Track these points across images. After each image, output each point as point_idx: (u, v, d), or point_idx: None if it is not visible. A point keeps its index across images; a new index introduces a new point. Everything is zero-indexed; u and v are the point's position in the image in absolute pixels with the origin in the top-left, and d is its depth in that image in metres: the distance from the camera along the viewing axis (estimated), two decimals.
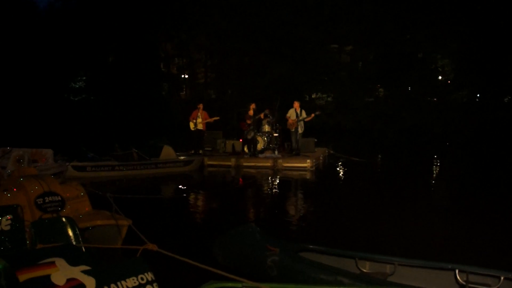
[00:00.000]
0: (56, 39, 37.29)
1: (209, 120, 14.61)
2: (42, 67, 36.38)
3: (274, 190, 10.34)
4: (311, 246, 4.34)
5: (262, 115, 14.30)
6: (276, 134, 15.26)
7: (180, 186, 11.04)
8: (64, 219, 3.77)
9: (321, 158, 15.48)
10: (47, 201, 4.67)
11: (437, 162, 15.97)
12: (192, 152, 14.78)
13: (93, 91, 39.84)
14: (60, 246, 2.96)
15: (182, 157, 13.25)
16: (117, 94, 37.56)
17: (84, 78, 40.53)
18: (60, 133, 26.48)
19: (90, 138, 23.46)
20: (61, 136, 24.57)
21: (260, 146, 14.76)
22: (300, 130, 13.90)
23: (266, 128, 15.10)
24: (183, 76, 45.56)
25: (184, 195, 9.40)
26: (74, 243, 3.59)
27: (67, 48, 37.20)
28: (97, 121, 34.46)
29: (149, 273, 2.45)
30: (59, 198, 4.78)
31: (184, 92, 46.18)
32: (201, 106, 14.54)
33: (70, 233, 3.67)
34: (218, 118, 14.90)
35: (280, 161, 13.38)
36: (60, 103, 36.97)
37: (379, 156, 17.49)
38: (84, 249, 3.27)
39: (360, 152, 17.64)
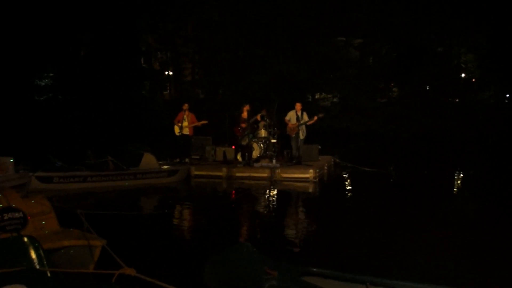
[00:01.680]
0: (18, 29, 37.19)
1: (196, 124, 14.60)
2: (0, 61, 36.24)
3: (272, 205, 10.33)
4: (314, 269, 4.33)
5: (258, 118, 14.31)
6: (274, 140, 15.26)
7: (163, 200, 11.00)
8: (26, 239, 3.73)
9: (325, 167, 15.49)
10: (6, 218, 4.63)
11: (460, 173, 16.02)
12: (177, 160, 14.75)
13: (61, 90, 39.71)
14: (22, 270, 2.94)
15: (165, 167, 13.22)
16: (90, 93, 37.46)
17: (51, 74, 40.42)
18: (22, 138, 26.36)
19: (58, 144, 23.36)
20: (24, 141, 24.46)
21: (255, 153, 14.76)
22: (301, 136, 13.92)
23: (263, 133, 15.11)
24: (167, 72, 45.64)
25: (168, 211, 9.37)
26: (37, 267, 3.56)
27: (30, 39, 37.05)
28: (66, 124, 34.32)
29: None
30: (21, 215, 4.74)
31: (168, 91, 46.24)
32: (186, 106, 14.54)
33: (33, 255, 3.63)
34: (206, 121, 14.90)
35: (278, 171, 13.39)
36: (22, 103, 36.76)
37: (393, 165, 17.48)
38: (49, 274, 3.24)
39: (371, 160, 17.65)
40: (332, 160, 17.30)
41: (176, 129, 14.55)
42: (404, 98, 38.03)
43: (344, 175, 14.97)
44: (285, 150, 15.78)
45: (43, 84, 40.62)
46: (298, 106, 14.06)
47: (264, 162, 14.32)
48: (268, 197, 11.26)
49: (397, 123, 34.58)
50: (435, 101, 36.16)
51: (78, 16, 38.53)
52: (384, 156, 22.10)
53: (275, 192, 11.90)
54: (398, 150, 25.31)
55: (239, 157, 14.80)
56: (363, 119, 35.74)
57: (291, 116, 14.08)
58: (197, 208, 9.89)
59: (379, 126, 34.71)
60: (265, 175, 13.42)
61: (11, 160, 10.62)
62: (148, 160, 12.74)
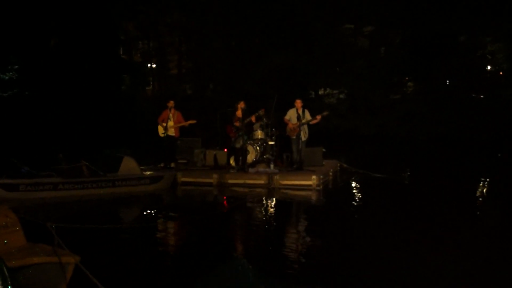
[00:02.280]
0: None
1: (183, 123, 14.63)
2: None
3: (269, 216, 10.35)
4: None
5: (253, 118, 14.33)
6: (272, 142, 15.30)
7: (145, 211, 11.00)
8: None
9: (330, 173, 15.54)
10: None
11: (486, 181, 16.03)
12: (162, 165, 14.78)
13: (28, 85, 39.51)
14: None
15: (148, 172, 13.25)
16: (61, 88, 37.31)
17: (16, 67, 40.30)
18: None
19: (24, 147, 23.31)
20: None
21: (251, 157, 14.80)
22: (303, 137, 13.97)
23: (259, 134, 15.16)
24: (149, 65, 45.61)
25: (150, 223, 9.38)
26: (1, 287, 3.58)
27: None
28: (34, 124, 34.17)
29: None
30: None
31: (151, 86, 46.22)
32: (172, 104, 14.57)
33: None
34: (195, 121, 14.93)
35: (277, 177, 13.43)
36: None
37: (408, 171, 17.53)
38: None
39: (383, 166, 17.69)
40: (338, 165, 17.33)
41: (160, 130, 14.58)
42: (421, 94, 38.01)
43: (352, 183, 15.00)
44: (284, 154, 15.81)
45: (6, 78, 40.48)
46: (299, 103, 14.10)
47: (260, 168, 14.36)
48: (265, 207, 11.28)
49: (412, 123, 34.56)
50: (456, 97, 36.12)
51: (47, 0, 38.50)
52: (398, 161, 22.14)
53: (273, 201, 11.92)
54: (414, 154, 25.33)
55: (232, 162, 14.82)
56: (374, 119, 35.73)
57: (291, 115, 14.12)
58: (184, 220, 9.90)
59: (392, 126, 34.68)
60: (261, 182, 13.46)
61: None
62: (128, 165, 12.75)
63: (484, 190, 14.16)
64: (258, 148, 14.95)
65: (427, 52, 36.57)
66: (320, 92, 41.33)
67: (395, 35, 39.68)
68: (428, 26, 36.62)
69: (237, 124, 14.04)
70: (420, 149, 27.70)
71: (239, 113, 14.19)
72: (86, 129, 33.17)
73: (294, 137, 14.00)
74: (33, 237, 5.43)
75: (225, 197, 12.81)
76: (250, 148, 14.84)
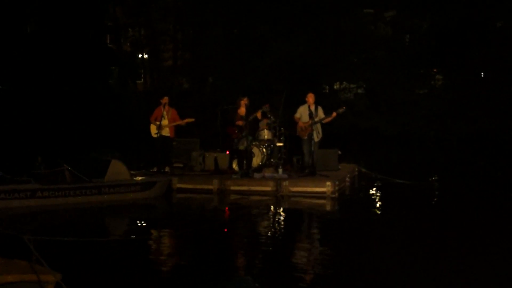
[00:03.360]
0: None
1: (179, 122, 14.64)
2: None
3: (277, 228, 10.35)
4: None
5: (259, 115, 14.33)
6: (281, 144, 15.28)
7: (135, 222, 11.01)
8: None
9: (347, 179, 15.50)
10: None
11: None
12: (154, 170, 14.77)
13: (2, 78, 39.67)
14: None
15: (138, 178, 13.25)
16: (40, 82, 37.36)
17: None
18: None
19: None
20: None
21: (256, 161, 14.79)
22: (316, 138, 13.94)
23: (266, 134, 15.15)
24: (140, 55, 45.65)
25: (141, 236, 9.39)
26: None
27: None
28: (8, 122, 34.26)
29: None
30: None
31: (143, 80, 46.25)
32: (166, 100, 14.57)
33: None
34: (193, 119, 14.93)
35: (286, 183, 13.42)
36: None
37: (436, 177, 17.49)
38: None
39: (407, 170, 17.66)
40: (356, 169, 17.30)
41: (153, 129, 14.58)
42: (451, 88, 37.93)
43: (372, 190, 14.98)
44: (294, 157, 15.79)
45: None
46: (312, 99, 14.08)
47: (267, 172, 14.34)
48: (272, 218, 11.28)
49: (441, 122, 34.48)
50: (492, 92, 36.00)
51: None
52: (424, 165, 22.07)
53: (281, 211, 11.92)
54: (443, 157, 25.29)
55: (235, 166, 14.81)
56: (396, 117, 35.66)
57: (302, 113, 14.10)
58: (179, 232, 9.90)
59: (418, 125, 34.62)
60: (268, 189, 13.45)
61: None
62: (117, 169, 12.75)
63: None
64: (264, 150, 14.94)
65: (458, 40, 36.46)
66: (335, 87, 41.32)
67: (421, 20, 39.63)
68: (460, 10, 36.48)
69: (240, 123, 14.03)
70: (450, 151, 27.65)
71: (242, 110, 14.18)
72: (68, 129, 33.13)
73: (306, 137, 13.96)
74: (8, 252, 5.45)
75: (226, 207, 12.82)
76: (255, 150, 14.84)
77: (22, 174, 12.14)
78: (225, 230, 10.19)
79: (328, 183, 13.22)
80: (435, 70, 40.29)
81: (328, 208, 12.33)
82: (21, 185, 11.64)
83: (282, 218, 11.32)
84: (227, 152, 15.15)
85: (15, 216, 10.75)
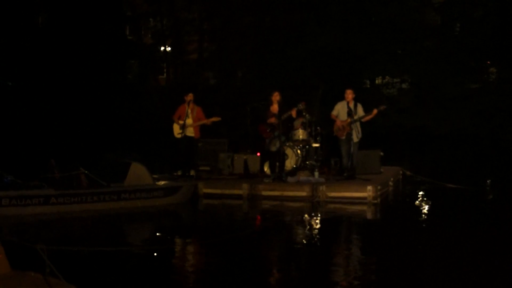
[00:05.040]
0: None
1: (205, 121, 14.66)
2: None
3: (312, 238, 10.30)
4: None
5: (293, 113, 14.26)
6: (317, 145, 15.23)
7: (158, 231, 11.05)
8: None
9: (390, 183, 15.40)
10: None
11: None
12: (179, 173, 14.81)
13: (12, 73, 40.07)
14: None
15: (161, 182, 13.29)
16: (52, 78, 37.68)
17: None
18: None
19: (7, 151, 23.66)
20: None
21: (290, 163, 14.76)
22: (355, 138, 13.86)
23: (301, 134, 15.09)
24: (163, 48, 45.84)
25: (164, 245, 9.42)
26: None
27: None
28: (19, 121, 34.62)
29: None
30: None
31: (165, 74, 46.50)
32: (191, 97, 14.60)
33: None
34: (220, 118, 14.93)
35: (323, 188, 13.36)
36: None
37: (490, 181, 17.22)
38: None
39: (458, 174, 17.46)
40: (401, 172, 17.17)
41: (176, 129, 14.62)
42: (507, 82, 37.45)
43: (418, 195, 14.83)
44: (332, 159, 15.72)
45: None
46: (351, 95, 14.00)
47: (302, 176, 14.30)
48: (307, 226, 11.23)
49: (496, 120, 34.09)
50: None
51: None
52: (477, 168, 21.84)
53: (317, 219, 11.87)
54: (498, 159, 24.95)
55: (266, 169, 14.80)
56: (446, 114, 35.34)
57: (340, 110, 14.03)
58: (206, 242, 9.92)
59: (469, 124, 34.28)
60: (303, 194, 13.41)
61: None
62: (137, 173, 12.80)
63: None
64: (299, 151, 14.90)
65: None
66: (377, 81, 41.07)
67: (473, 7, 39.14)
68: None
69: (272, 121, 13.99)
70: (505, 152, 27.26)
71: (274, 107, 14.12)
72: (84, 128, 33.40)
73: (344, 137, 13.89)
74: (20, 263, 5.50)
75: (257, 214, 12.80)
76: (289, 151, 14.80)
77: (34, 179, 12.24)
78: (256, 240, 10.16)
79: (369, 187, 13.12)
80: (488, 62, 39.82)
81: (369, 215, 12.25)
82: (34, 191, 11.75)
83: (318, 226, 11.26)
84: (258, 154, 15.14)
85: (27, 224, 10.86)
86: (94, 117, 35.51)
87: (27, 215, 11.36)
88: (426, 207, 13.43)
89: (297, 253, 9.24)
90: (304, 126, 15.11)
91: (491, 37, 36.70)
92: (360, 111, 13.94)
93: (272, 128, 14.01)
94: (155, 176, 13.48)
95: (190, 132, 14.53)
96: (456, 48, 37.36)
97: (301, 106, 14.23)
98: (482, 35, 37.04)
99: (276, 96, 14.14)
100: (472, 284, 7.22)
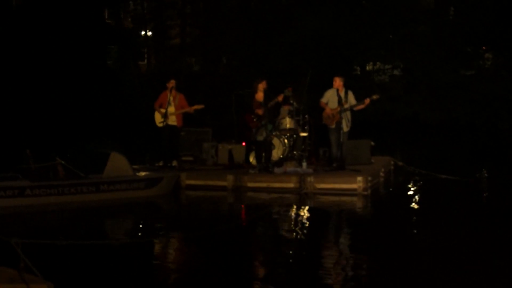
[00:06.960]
0: None
1: (188, 109, 14.67)
2: None
3: (300, 231, 10.34)
4: None
5: (279, 99, 14.25)
6: (305, 134, 15.25)
7: (138, 224, 11.05)
8: None
9: (381, 174, 15.48)
10: None
11: None
12: (160, 164, 14.81)
13: None
14: None
15: (142, 173, 13.30)
16: (28, 64, 37.48)
17: None
18: None
19: None
20: None
21: (277, 153, 14.78)
22: (345, 127, 13.90)
23: (288, 123, 15.11)
24: (143, 33, 45.70)
25: (145, 239, 9.42)
26: None
27: None
28: None
29: None
30: None
31: (146, 60, 46.38)
32: (173, 84, 14.57)
33: None
34: (203, 106, 14.94)
35: (311, 179, 13.40)
36: None
37: (485, 172, 17.35)
38: None
39: (451, 164, 17.55)
40: (392, 163, 17.25)
41: (158, 118, 14.61)
42: (503, 69, 37.64)
43: (410, 186, 14.91)
44: (321, 149, 15.77)
45: None
46: (340, 82, 14.01)
47: (289, 167, 14.35)
48: (295, 219, 11.27)
49: (492, 108, 34.22)
50: None
51: None
52: (471, 158, 21.95)
53: (305, 211, 11.91)
54: (493, 149, 25.10)
55: (252, 159, 14.83)
56: (439, 103, 35.44)
57: (329, 98, 14.04)
58: (189, 235, 9.93)
59: (464, 112, 34.38)
60: (291, 185, 13.45)
61: None
62: (117, 163, 12.80)
63: None
64: (286, 141, 14.92)
65: (510, 13, 36.11)
66: (368, 68, 41.11)
67: None
68: None
69: (258, 111, 13.98)
70: (502, 142, 27.40)
71: (259, 95, 14.10)
72: (61, 117, 33.24)
73: (334, 126, 13.91)
74: None
75: (243, 206, 12.83)
76: (275, 141, 14.82)
77: (9, 170, 12.22)
78: (241, 234, 10.18)
79: (359, 178, 13.18)
80: (484, 48, 39.95)
81: (359, 207, 12.30)
82: (8, 182, 11.71)
83: (306, 219, 11.30)
84: (243, 144, 15.16)
85: (0, 217, 10.82)
86: (71, 104, 35.30)
87: (1, 208, 11.30)
88: (418, 199, 13.52)
89: (283, 246, 9.25)
90: (291, 114, 15.12)
91: (487, 21, 36.79)
92: (352, 99, 13.97)
93: (258, 117, 14.01)
94: (135, 166, 13.51)
95: (172, 120, 14.52)
96: (450, 33, 37.45)
97: (287, 92, 14.28)
98: (477, 20, 37.13)
99: (263, 84, 14.13)
100: (465, 275, 7.29)
